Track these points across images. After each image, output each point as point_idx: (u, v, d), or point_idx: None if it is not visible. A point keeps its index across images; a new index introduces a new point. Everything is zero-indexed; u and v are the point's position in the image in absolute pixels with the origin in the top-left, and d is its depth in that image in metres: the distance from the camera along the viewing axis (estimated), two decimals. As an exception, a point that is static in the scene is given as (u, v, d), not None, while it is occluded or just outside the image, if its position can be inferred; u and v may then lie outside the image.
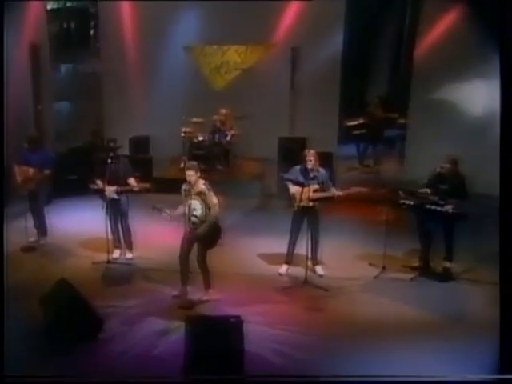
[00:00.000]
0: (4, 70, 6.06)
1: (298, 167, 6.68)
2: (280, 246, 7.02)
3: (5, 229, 6.31)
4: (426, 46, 10.10)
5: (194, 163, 6.03)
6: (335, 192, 6.50)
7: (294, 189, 6.62)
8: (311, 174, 6.55)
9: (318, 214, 6.72)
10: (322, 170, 6.64)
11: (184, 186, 5.98)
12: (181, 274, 6.12)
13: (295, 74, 11.28)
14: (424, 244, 6.86)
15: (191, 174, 5.84)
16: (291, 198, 6.65)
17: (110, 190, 6.92)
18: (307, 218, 6.63)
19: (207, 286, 6.18)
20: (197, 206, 5.90)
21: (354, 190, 6.52)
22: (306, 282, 6.50)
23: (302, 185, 6.49)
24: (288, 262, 6.91)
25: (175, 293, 6.17)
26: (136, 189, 6.87)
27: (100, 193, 6.99)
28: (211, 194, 5.89)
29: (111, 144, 7.09)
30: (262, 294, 6.31)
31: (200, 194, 5.88)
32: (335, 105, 11.13)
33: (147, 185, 6.84)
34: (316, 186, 6.54)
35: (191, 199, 5.86)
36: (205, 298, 6.13)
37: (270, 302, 6.16)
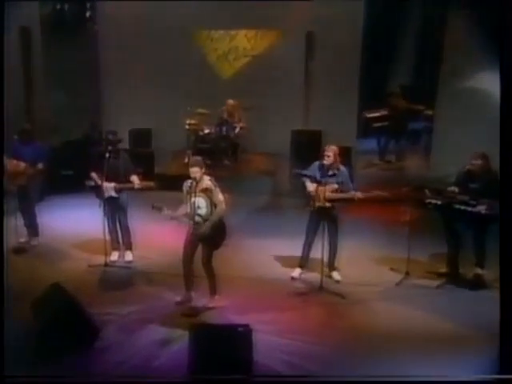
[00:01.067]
0: (4, 70, 6.24)
1: (316, 163, 6.67)
2: (293, 248, 7.02)
3: (5, 228, 6.37)
4: (456, 31, 10.04)
5: (199, 158, 6.05)
6: (355, 194, 6.45)
7: (311, 186, 6.62)
8: (330, 172, 6.55)
9: (336, 216, 6.71)
10: (342, 168, 6.63)
11: (187, 183, 5.98)
12: (184, 278, 6.14)
13: (310, 61, 11.30)
14: (452, 248, 6.82)
15: (196, 171, 5.85)
16: (308, 196, 6.66)
17: (109, 187, 6.95)
18: (324, 220, 6.63)
19: (213, 291, 6.18)
20: (201, 204, 5.92)
21: (376, 194, 6.49)
22: (321, 287, 6.51)
23: (319, 182, 6.49)
24: (302, 266, 6.92)
25: (178, 299, 6.19)
26: (138, 187, 6.87)
27: (97, 190, 7.01)
28: (217, 190, 5.91)
29: (110, 137, 7.10)
30: (273, 301, 6.31)
31: (205, 190, 5.89)
32: (354, 95, 11.14)
33: (151, 183, 6.85)
34: (334, 186, 6.53)
35: (195, 196, 5.87)
36: (210, 304, 6.14)
37: (282, 309, 6.16)
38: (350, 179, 6.69)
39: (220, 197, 5.91)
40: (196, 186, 5.89)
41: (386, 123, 11.34)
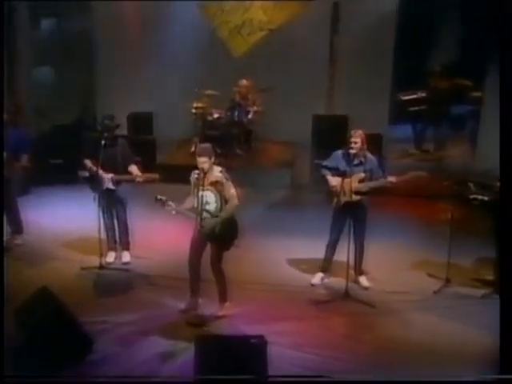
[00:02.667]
0: (4, 69, 6.29)
1: (339, 152, 6.69)
2: (314, 249, 7.02)
3: (5, 227, 6.43)
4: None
5: (208, 146, 6.05)
6: (387, 180, 6.47)
7: (334, 180, 6.62)
8: (356, 161, 6.55)
9: (365, 212, 6.70)
10: (370, 156, 6.63)
11: (194, 175, 6.00)
12: (190, 282, 6.16)
13: (336, 35, 11.24)
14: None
15: (204, 161, 5.86)
16: (331, 191, 6.66)
17: (106, 179, 6.99)
18: (351, 217, 6.62)
19: (222, 297, 6.20)
20: (210, 199, 5.93)
21: (413, 174, 6.46)
22: (346, 295, 6.51)
23: (343, 174, 6.48)
24: (324, 270, 6.92)
25: (183, 306, 6.21)
26: (140, 179, 6.89)
27: (92, 181, 7.04)
28: (229, 184, 5.92)
29: (106, 122, 7.12)
30: (291, 310, 6.32)
31: (215, 184, 5.91)
32: (386, 74, 11.07)
33: (155, 175, 6.86)
34: (361, 175, 6.53)
35: (203, 190, 5.89)
36: (219, 312, 6.16)
37: (301, 319, 6.17)
38: (379, 167, 6.69)
39: (232, 191, 5.92)
40: (204, 177, 5.91)
41: (424, 107, 11.25)
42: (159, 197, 6.12)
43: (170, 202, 6.08)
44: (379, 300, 6.52)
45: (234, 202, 5.93)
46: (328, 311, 6.34)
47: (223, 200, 5.93)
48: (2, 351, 4.52)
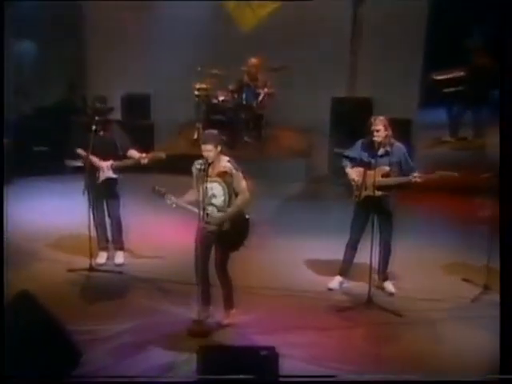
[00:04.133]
0: (4, 69, 6.74)
1: (362, 141, 6.67)
2: (333, 250, 7.01)
3: (5, 226, 6.46)
4: None
5: (214, 133, 6.04)
6: (411, 178, 6.42)
7: (354, 173, 6.61)
8: (381, 151, 6.53)
9: (391, 208, 6.68)
10: (398, 146, 6.60)
11: (196, 165, 5.97)
12: (199, 288, 6.05)
13: (359, 7, 11.20)
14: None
15: (210, 149, 5.83)
16: (351, 185, 6.65)
17: (104, 167, 7.01)
18: (375, 213, 6.60)
19: (229, 304, 6.19)
20: (217, 191, 5.91)
21: (440, 174, 6.43)
22: (369, 302, 6.49)
23: (366, 165, 6.47)
24: (343, 273, 6.92)
25: (193, 315, 6.10)
26: (145, 161, 6.88)
27: (81, 171, 7.03)
28: (239, 175, 5.90)
29: (98, 104, 7.13)
30: (306, 318, 6.31)
31: (223, 174, 5.89)
32: (418, 51, 11.01)
33: (162, 154, 6.86)
34: (385, 168, 6.51)
35: (208, 182, 5.87)
36: (225, 321, 6.16)
37: (317, 328, 6.15)
38: (408, 159, 6.65)
39: (243, 184, 5.91)
40: (209, 167, 5.89)
41: (461, 88, 11.15)
42: (157, 188, 6.11)
43: (170, 196, 6.05)
44: (406, 308, 6.49)
45: (246, 195, 5.91)
46: (348, 320, 6.32)
47: (232, 193, 5.91)
48: (2, 351, 4.59)
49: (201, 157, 5.92)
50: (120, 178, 7.16)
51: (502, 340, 4.72)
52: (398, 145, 6.60)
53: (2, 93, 6.90)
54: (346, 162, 6.71)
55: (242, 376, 4.63)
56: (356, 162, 6.62)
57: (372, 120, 6.58)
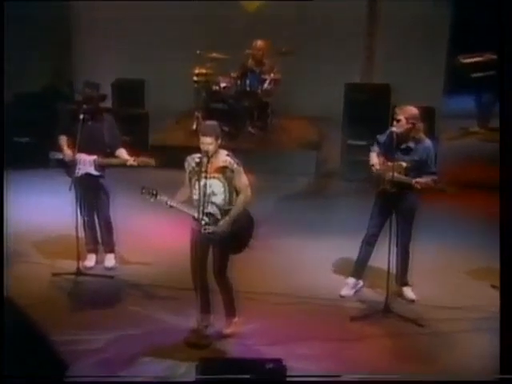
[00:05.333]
0: (4, 68, 6.90)
1: (388, 131, 6.63)
2: (345, 251, 7.07)
3: (5, 224, 6.51)
4: None
5: (214, 124, 6.05)
6: (413, 180, 6.38)
7: (376, 158, 6.64)
8: (403, 145, 6.53)
9: (410, 206, 6.68)
10: (424, 143, 6.56)
11: (191, 160, 5.94)
12: (198, 294, 6.08)
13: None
14: None
15: (210, 141, 5.82)
16: (366, 180, 6.68)
17: (86, 162, 7.02)
18: (393, 210, 6.62)
19: (230, 312, 6.19)
20: (217, 189, 5.90)
21: (442, 187, 6.33)
22: (386, 310, 6.49)
23: (388, 156, 6.49)
24: (357, 275, 6.91)
25: (194, 325, 6.12)
26: (132, 163, 6.89)
27: (68, 165, 7.04)
28: (240, 170, 5.90)
29: (87, 91, 7.13)
30: (316, 327, 6.30)
31: (222, 170, 5.88)
32: (442, 31, 10.98)
33: (151, 160, 6.86)
34: (402, 165, 6.48)
35: (207, 178, 5.88)
36: (227, 330, 6.16)
37: (327, 339, 6.14)
38: (433, 160, 6.61)
39: (245, 180, 5.91)
40: (208, 162, 5.90)
41: (491, 72, 11.11)
42: (147, 188, 6.02)
43: (163, 195, 6.00)
44: (428, 317, 6.47)
45: (248, 192, 5.91)
46: (363, 330, 6.31)
47: (233, 190, 5.92)
48: (2, 351, 4.65)
49: (198, 150, 5.90)
50: (107, 172, 7.14)
51: (502, 340, 4.90)
52: (426, 143, 6.56)
53: (2, 93, 6.90)
54: (375, 148, 6.74)
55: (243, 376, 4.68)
56: (382, 149, 6.65)
57: (396, 109, 6.60)
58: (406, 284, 6.89)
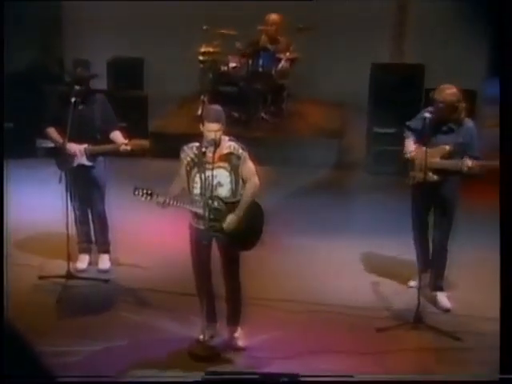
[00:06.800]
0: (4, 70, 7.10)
1: (425, 115, 6.63)
2: (368, 253, 7.17)
3: (5, 223, 6.56)
4: None
5: (219, 109, 6.05)
6: (463, 165, 6.43)
7: (412, 146, 6.67)
8: (444, 127, 6.57)
9: (450, 200, 6.72)
10: (468, 125, 6.63)
11: (189, 150, 5.95)
12: (203, 301, 6.08)
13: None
14: None
15: (217, 128, 5.84)
16: (405, 162, 6.71)
17: (77, 150, 7.04)
18: (431, 204, 6.67)
19: (234, 320, 6.20)
20: (223, 179, 5.91)
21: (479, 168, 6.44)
22: (417, 320, 6.47)
23: (426, 141, 6.48)
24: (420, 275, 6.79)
25: (197, 334, 6.10)
26: (125, 148, 6.94)
27: (57, 154, 7.09)
28: (246, 155, 5.91)
29: (79, 70, 7.19)
30: (335, 339, 6.30)
31: (228, 157, 5.90)
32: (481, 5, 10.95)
33: (145, 142, 6.90)
34: (445, 148, 6.55)
35: (210, 169, 5.88)
36: (236, 341, 6.17)
37: (350, 352, 6.13)
38: (476, 143, 6.65)
39: (251, 166, 5.93)
40: (215, 152, 5.89)
41: None
42: (141, 188, 6.01)
43: (157, 194, 5.97)
44: (466, 329, 6.45)
45: (255, 181, 5.91)
46: (390, 342, 6.30)
47: (239, 179, 5.92)
48: (2, 351, 4.72)
49: (198, 139, 5.89)
50: (101, 165, 7.17)
51: (502, 340, 5.08)
52: (469, 124, 6.65)
53: (2, 93, 6.94)
54: (408, 134, 6.79)
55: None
56: (417, 136, 6.68)
57: (437, 87, 6.64)
58: (440, 289, 6.88)
